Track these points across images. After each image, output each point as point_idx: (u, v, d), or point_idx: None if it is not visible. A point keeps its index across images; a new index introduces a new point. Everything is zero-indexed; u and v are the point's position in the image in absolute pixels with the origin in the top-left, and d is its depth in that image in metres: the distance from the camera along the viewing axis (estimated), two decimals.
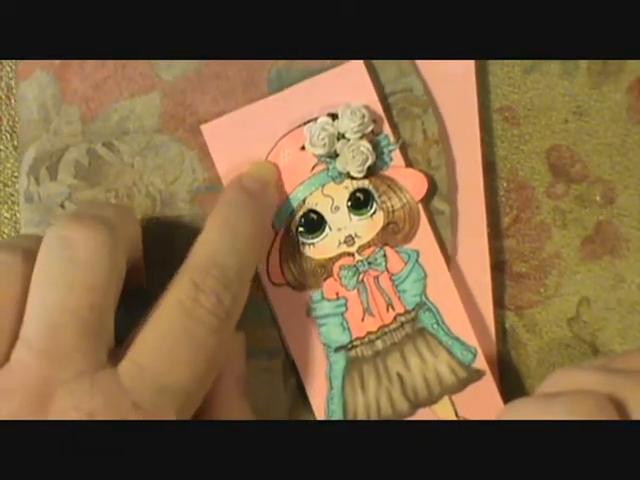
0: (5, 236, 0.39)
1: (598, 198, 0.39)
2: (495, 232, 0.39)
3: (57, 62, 0.36)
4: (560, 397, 0.27)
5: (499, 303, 0.38)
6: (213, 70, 0.37)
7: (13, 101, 0.39)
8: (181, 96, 0.37)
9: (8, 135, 0.39)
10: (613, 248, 0.39)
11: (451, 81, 0.37)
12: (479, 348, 0.36)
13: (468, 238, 0.37)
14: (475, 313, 0.37)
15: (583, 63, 0.39)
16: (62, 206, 0.36)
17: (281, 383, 0.36)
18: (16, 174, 0.39)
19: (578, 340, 0.39)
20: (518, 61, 0.39)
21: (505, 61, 0.39)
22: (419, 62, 0.37)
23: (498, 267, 0.38)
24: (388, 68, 0.37)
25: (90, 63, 0.37)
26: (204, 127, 0.36)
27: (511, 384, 0.36)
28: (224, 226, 0.33)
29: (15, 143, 0.39)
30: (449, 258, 0.37)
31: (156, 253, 0.36)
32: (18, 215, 0.39)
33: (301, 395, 0.36)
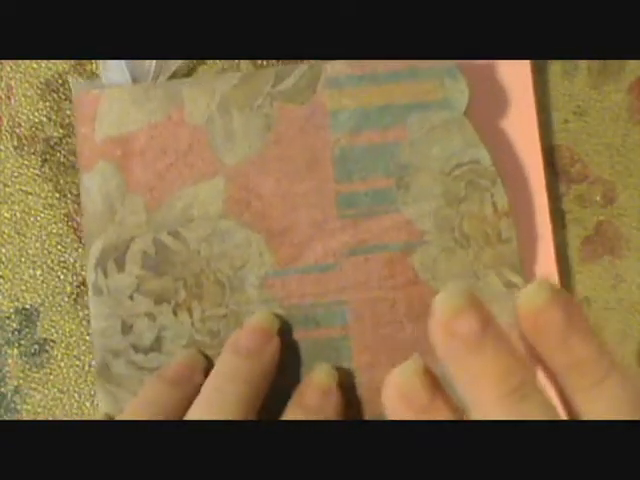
0: (5, 236, 0.39)
1: (598, 198, 0.39)
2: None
3: (119, 153, 0.36)
4: None
5: None
6: (276, 152, 0.36)
7: (13, 101, 0.39)
8: (244, 180, 0.36)
9: (8, 135, 0.39)
10: (613, 248, 0.39)
11: (516, 147, 0.37)
12: None
13: None
14: None
15: (583, 63, 0.39)
16: (131, 298, 0.36)
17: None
18: (16, 174, 0.39)
19: None
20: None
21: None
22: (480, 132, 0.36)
23: None
24: (453, 139, 0.36)
25: (151, 152, 0.36)
26: None
27: None
28: (212, 401, 0.33)
29: (15, 143, 0.39)
30: None
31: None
32: (18, 215, 0.39)
33: None
